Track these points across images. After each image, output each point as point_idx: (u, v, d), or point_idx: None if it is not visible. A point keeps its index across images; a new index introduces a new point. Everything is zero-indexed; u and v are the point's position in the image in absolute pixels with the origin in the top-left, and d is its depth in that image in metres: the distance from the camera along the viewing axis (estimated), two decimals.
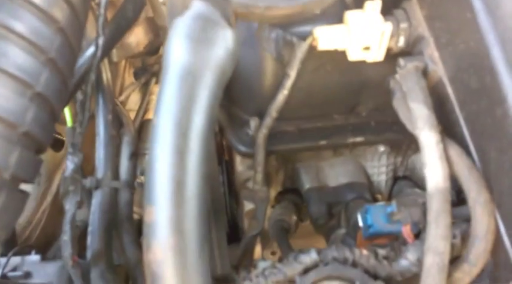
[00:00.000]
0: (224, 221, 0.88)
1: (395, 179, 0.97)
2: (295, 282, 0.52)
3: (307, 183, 0.90)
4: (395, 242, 0.60)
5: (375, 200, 0.92)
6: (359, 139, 0.79)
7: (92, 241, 0.81)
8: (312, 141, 0.79)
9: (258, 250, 1.06)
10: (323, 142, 0.79)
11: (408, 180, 0.97)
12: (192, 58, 0.48)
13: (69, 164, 0.72)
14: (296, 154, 0.90)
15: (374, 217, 0.67)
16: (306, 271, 0.52)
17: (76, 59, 0.60)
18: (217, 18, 0.51)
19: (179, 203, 0.45)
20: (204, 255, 0.46)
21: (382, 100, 0.79)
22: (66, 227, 0.70)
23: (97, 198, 0.89)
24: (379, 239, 0.70)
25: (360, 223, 0.69)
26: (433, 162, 0.49)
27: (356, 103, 0.83)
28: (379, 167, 0.94)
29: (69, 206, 0.71)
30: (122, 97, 1.36)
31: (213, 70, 0.49)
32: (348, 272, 0.52)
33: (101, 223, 0.84)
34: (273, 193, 1.00)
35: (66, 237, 0.69)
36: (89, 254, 0.79)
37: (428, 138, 0.50)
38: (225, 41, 0.50)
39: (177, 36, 0.50)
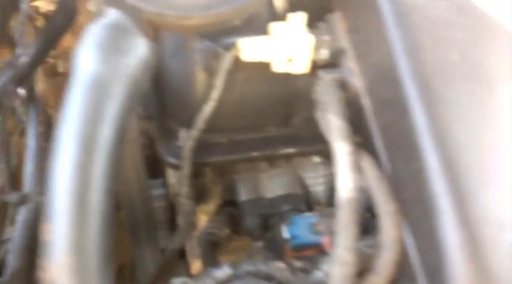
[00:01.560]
0: (156, 237, 0.86)
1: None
2: None
3: (243, 195, 0.89)
4: (316, 254, 0.60)
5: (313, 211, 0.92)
6: (291, 150, 0.79)
7: (13, 259, 0.76)
8: (244, 153, 0.79)
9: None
10: (255, 154, 0.79)
11: None
12: (100, 67, 0.47)
13: None
14: (233, 166, 0.89)
15: (299, 228, 0.67)
16: None
17: None
18: (130, 26, 0.50)
19: (79, 220, 0.43)
20: (106, 275, 0.44)
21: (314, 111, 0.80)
22: None
23: (22, 214, 0.85)
24: (307, 251, 0.70)
25: (285, 235, 0.68)
26: (343, 173, 0.49)
27: (289, 115, 0.83)
28: (316, 178, 0.94)
29: None
30: None
31: (123, 80, 0.48)
32: None
33: (23, 240, 0.80)
34: (212, 206, 0.98)
35: None
36: (7, 272, 0.75)
37: (340, 148, 0.50)
38: (136, 50, 0.49)
39: (85, 44, 0.48)
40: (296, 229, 0.68)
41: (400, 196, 0.48)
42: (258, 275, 0.53)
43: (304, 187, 0.94)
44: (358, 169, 0.50)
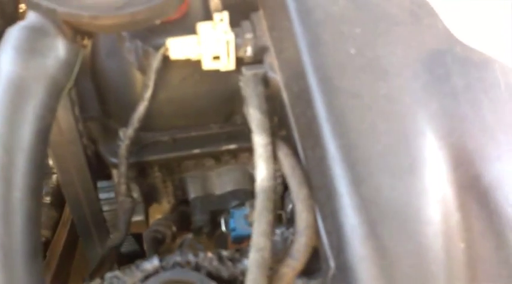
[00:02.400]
0: (107, 237, 0.87)
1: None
2: None
3: (192, 192, 0.91)
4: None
5: None
6: (232, 146, 0.82)
7: None
8: (186, 150, 0.80)
9: None
10: (197, 151, 0.81)
11: None
12: (16, 68, 0.48)
13: None
14: (181, 165, 0.91)
15: (237, 220, 0.69)
16: (147, 277, 0.52)
17: None
18: (48, 28, 0.51)
19: (2, 218, 0.44)
20: (33, 272, 0.46)
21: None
22: None
23: None
24: (247, 242, 0.72)
25: (223, 228, 0.70)
26: (259, 163, 0.51)
27: (231, 112, 0.85)
28: None
29: None
30: None
31: (41, 80, 0.49)
32: (188, 275, 0.52)
33: None
34: (165, 205, 1.00)
35: None
36: None
37: (258, 140, 0.53)
38: (54, 50, 0.51)
39: (3, 47, 0.50)
40: (233, 221, 0.70)
41: (311, 183, 0.50)
42: (186, 266, 0.55)
43: (253, 182, 0.96)
44: (274, 159, 0.52)
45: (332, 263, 0.47)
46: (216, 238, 0.89)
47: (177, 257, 0.54)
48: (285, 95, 0.57)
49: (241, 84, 0.61)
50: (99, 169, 0.87)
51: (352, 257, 0.43)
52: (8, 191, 0.45)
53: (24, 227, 0.45)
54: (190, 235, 0.78)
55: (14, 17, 0.87)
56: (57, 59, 0.51)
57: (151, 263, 0.53)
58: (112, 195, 0.92)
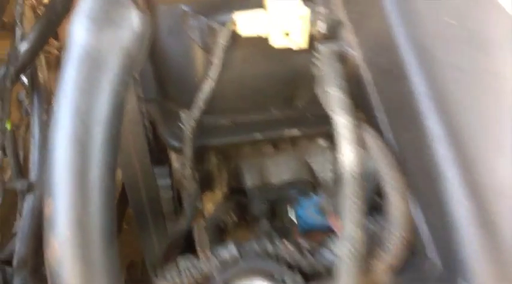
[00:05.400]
0: (163, 224, 0.85)
1: None
2: (215, 278, 0.49)
3: (249, 180, 0.88)
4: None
5: None
6: (294, 131, 0.77)
7: (20, 247, 0.76)
8: (247, 134, 0.77)
9: None
10: (258, 135, 0.77)
11: None
12: (92, 39, 0.46)
13: None
14: (238, 151, 0.87)
15: (306, 210, 0.65)
16: (225, 266, 0.49)
17: None
18: None
19: (79, 194, 0.41)
20: (111, 250, 0.43)
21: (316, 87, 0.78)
22: None
23: (28, 202, 0.85)
24: (316, 236, 0.68)
25: (292, 217, 0.66)
26: (346, 147, 0.46)
27: (293, 96, 0.81)
28: (323, 163, 0.92)
29: None
30: None
31: (116, 52, 0.47)
32: (267, 266, 0.49)
33: (30, 228, 0.80)
34: (218, 193, 0.97)
35: None
36: (15, 260, 0.75)
37: (341, 121, 0.48)
38: (129, 22, 0.48)
39: (78, 16, 0.47)
40: (302, 210, 0.66)
41: (404, 167, 0.46)
42: (264, 255, 0.51)
43: (311, 172, 0.92)
44: (360, 142, 0.48)
45: (432, 255, 0.42)
46: (277, 229, 0.85)
47: (254, 246, 0.50)
48: (365, 72, 0.52)
49: (316, 61, 0.56)
50: (156, 153, 0.84)
51: (464, 250, 0.38)
52: (86, 166, 0.42)
53: (102, 205, 0.42)
54: (266, 223, 0.74)
55: None
56: (132, 31, 0.48)
57: (229, 252, 0.50)
58: (167, 181, 0.90)
